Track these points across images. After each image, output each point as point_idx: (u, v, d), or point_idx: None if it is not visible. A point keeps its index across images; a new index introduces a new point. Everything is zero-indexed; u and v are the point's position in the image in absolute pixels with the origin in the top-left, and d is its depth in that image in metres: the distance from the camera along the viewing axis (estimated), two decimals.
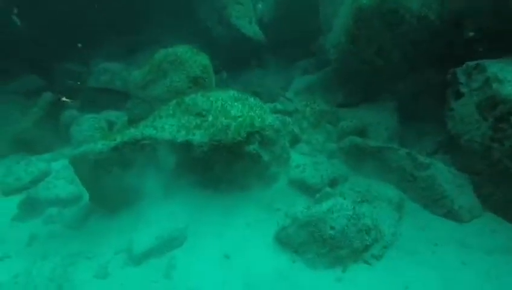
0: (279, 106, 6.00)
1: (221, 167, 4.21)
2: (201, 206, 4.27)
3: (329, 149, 4.77)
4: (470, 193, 3.63)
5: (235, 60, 7.60)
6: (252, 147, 4.20)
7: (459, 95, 3.74)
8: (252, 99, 4.91)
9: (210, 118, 4.38)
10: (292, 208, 4.14)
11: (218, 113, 4.42)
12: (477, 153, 3.51)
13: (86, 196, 4.74)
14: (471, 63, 3.64)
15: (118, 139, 4.28)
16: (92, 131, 6.24)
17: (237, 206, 4.29)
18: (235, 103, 4.74)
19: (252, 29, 7.36)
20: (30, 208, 4.75)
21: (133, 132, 4.35)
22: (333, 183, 4.24)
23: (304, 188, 4.25)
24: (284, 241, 3.64)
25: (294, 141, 4.94)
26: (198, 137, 4.10)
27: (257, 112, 4.59)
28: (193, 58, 5.48)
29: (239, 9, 7.37)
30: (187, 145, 4.21)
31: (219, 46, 7.82)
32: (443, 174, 3.70)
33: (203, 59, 5.61)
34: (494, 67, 3.42)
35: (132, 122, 5.50)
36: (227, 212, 4.24)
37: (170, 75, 5.37)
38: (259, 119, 4.36)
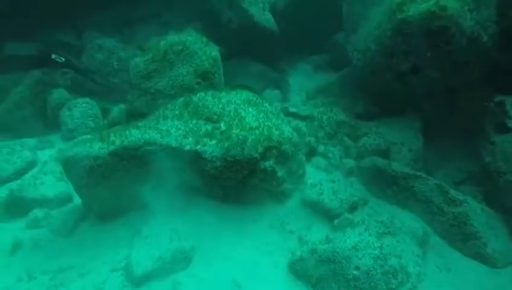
0: (292, 109, 5.56)
1: (231, 182, 3.80)
2: (208, 224, 3.89)
3: (347, 166, 4.41)
4: (504, 236, 3.38)
5: (243, 49, 7.02)
6: (268, 163, 3.80)
7: (504, 129, 3.41)
8: (267, 105, 4.45)
9: (222, 126, 3.91)
10: (307, 233, 3.82)
11: (231, 121, 3.96)
12: None
13: (77, 197, 4.28)
14: None
15: (117, 142, 3.79)
16: (85, 119, 5.66)
17: (247, 226, 3.93)
18: (249, 108, 4.27)
19: (264, 18, 6.73)
20: (14, 207, 4.27)
21: (135, 135, 3.86)
22: (353, 208, 3.91)
23: (321, 211, 3.90)
24: (300, 273, 3.33)
25: (310, 153, 4.55)
26: (209, 149, 3.65)
27: (273, 120, 4.15)
28: (203, 49, 4.92)
29: None
30: (195, 155, 3.77)
31: (227, 32, 7.19)
32: (476, 212, 3.42)
33: (213, 51, 5.05)
34: None
35: (132, 115, 4.98)
36: (236, 231, 3.88)
37: (176, 68, 4.81)
38: (277, 132, 3.93)
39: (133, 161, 3.84)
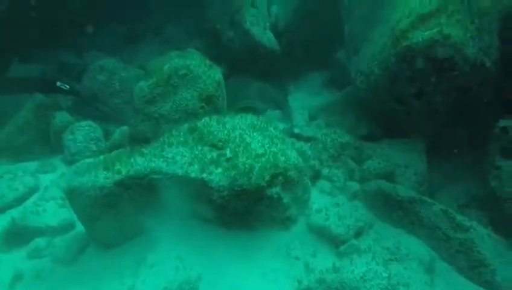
0: (295, 130, 5.58)
1: (237, 209, 3.79)
2: (213, 251, 3.86)
3: (352, 190, 4.40)
4: None
5: (245, 68, 7.07)
6: (274, 191, 3.79)
7: (509, 155, 3.43)
8: (272, 129, 4.46)
9: (228, 153, 3.91)
10: (313, 259, 3.80)
11: (236, 147, 3.96)
12: None
13: (80, 224, 4.24)
14: None
15: (123, 171, 3.78)
16: (88, 142, 5.65)
17: (253, 253, 3.89)
18: (255, 133, 4.28)
19: (266, 37, 6.79)
20: (15, 236, 4.22)
21: (140, 164, 3.85)
22: (358, 233, 3.89)
23: (327, 236, 3.89)
24: None
25: (315, 177, 4.55)
26: (216, 178, 3.64)
27: (279, 146, 4.15)
28: (207, 73, 4.94)
29: (254, 14, 6.77)
30: (202, 183, 3.76)
31: (228, 51, 7.26)
32: (483, 239, 3.41)
33: (217, 74, 5.07)
34: None
35: (135, 140, 4.98)
36: (241, 259, 3.84)
37: (181, 92, 4.82)
38: (283, 158, 3.93)
39: (138, 190, 3.83)
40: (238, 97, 6.49)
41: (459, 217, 3.53)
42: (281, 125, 6.00)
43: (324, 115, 5.92)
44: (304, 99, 7.01)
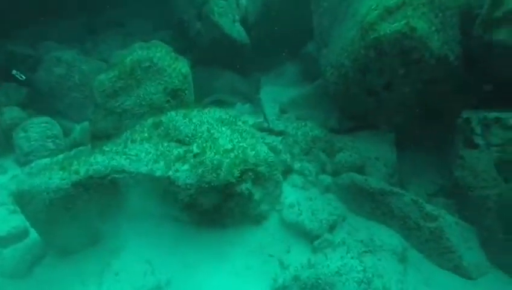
0: (265, 125, 5.47)
1: (206, 207, 3.61)
2: (183, 252, 3.67)
3: (324, 183, 4.36)
4: (477, 248, 3.46)
5: (212, 60, 6.84)
6: (245, 187, 3.65)
7: (472, 145, 3.50)
8: (240, 123, 4.31)
9: (195, 149, 3.72)
10: (287, 256, 3.71)
11: (204, 143, 3.77)
12: (491, 211, 3.33)
13: (34, 231, 3.89)
14: (491, 115, 3.40)
15: (82, 171, 3.48)
16: (44, 140, 5.23)
17: (225, 250, 3.74)
18: (223, 128, 4.12)
19: (235, 30, 6.60)
20: None
21: (101, 162, 3.57)
22: (332, 227, 3.85)
23: (300, 232, 3.81)
24: None
25: (286, 171, 4.46)
26: (183, 176, 3.45)
27: (248, 140, 4.02)
28: (172, 66, 4.69)
29: (222, 6, 6.54)
30: (168, 181, 3.54)
31: (195, 44, 6.99)
32: (451, 227, 3.48)
33: (183, 66, 4.83)
34: None
35: (96, 137, 4.63)
36: (213, 257, 3.68)
37: (145, 85, 4.55)
38: (253, 153, 3.79)
39: (99, 190, 3.56)
40: (207, 90, 6.25)
41: (429, 207, 3.58)
42: (251, 119, 5.87)
43: (295, 108, 5.84)
44: (275, 92, 6.90)
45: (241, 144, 3.86)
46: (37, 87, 6.07)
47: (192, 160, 3.61)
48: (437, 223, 3.49)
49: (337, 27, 4.99)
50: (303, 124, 4.97)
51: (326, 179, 4.39)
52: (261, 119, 5.61)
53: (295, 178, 4.46)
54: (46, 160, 5.04)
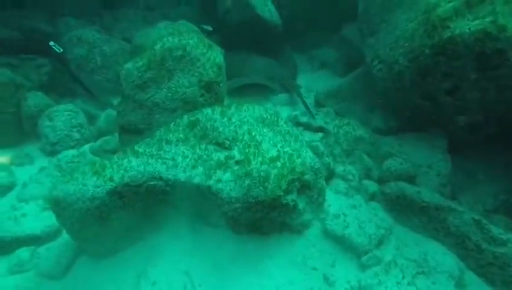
0: (302, 119, 5.10)
1: (249, 220, 3.37)
2: (222, 262, 3.49)
3: (368, 190, 4.06)
4: None
5: (241, 42, 6.35)
6: (290, 198, 3.37)
7: None
8: (282, 123, 3.96)
9: (237, 154, 3.42)
10: (332, 271, 3.49)
11: (246, 148, 3.46)
12: None
13: None
14: None
15: (116, 178, 3.24)
16: (69, 130, 4.97)
17: (265, 262, 3.54)
18: (264, 129, 3.79)
19: (267, 9, 6.05)
20: None
21: (136, 168, 3.31)
22: (380, 242, 3.60)
23: (347, 246, 3.57)
24: None
25: (329, 176, 4.16)
26: (227, 188, 3.17)
27: (292, 145, 3.69)
28: (206, 55, 4.29)
29: None
30: (209, 191, 3.29)
31: (223, 23, 6.48)
32: None
33: (217, 56, 4.42)
34: None
35: (125, 130, 4.36)
36: (254, 270, 3.48)
37: (177, 77, 4.18)
38: (299, 160, 3.48)
39: (134, 197, 3.33)
40: (237, 76, 5.80)
41: (495, 230, 3.24)
42: (285, 112, 5.51)
43: (332, 101, 5.44)
44: (307, 79, 6.48)
45: (285, 150, 3.54)
46: (66, 64, 5.73)
47: (235, 167, 3.32)
48: (506, 249, 3.18)
49: (388, 15, 4.46)
50: (345, 122, 4.58)
51: (372, 186, 4.09)
52: (297, 112, 5.23)
53: (338, 183, 4.16)
54: (73, 151, 4.82)
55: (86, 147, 5.04)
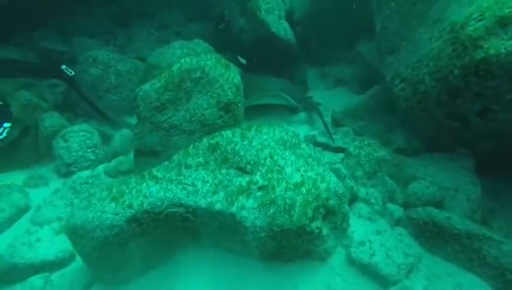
0: (320, 139, 4.99)
1: (273, 248, 3.23)
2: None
3: (393, 214, 3.89)
4: None
5: (257, 62, 6.33)
6: (315, 225, 3.23)
7: None
8: (304, 146, 3.85)
9: (259, 179, 3.30)
10: None
11: (269, 173, 3.34)
12: None
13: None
14: None
15: (135, 204, 3.13)
16: (84, 150, 4.91)
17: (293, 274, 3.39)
18: (286, 152, 3.67)
19: (282, 27, 6.03)
20: (5, 275, 3.57)
21: (155, 194, 3.20)
22: (409, 271, 3.41)
23: (373, 275, 3.39)
24: None
25: (352, 199, 4.01)
26: (251, 216, 3.04)
27: (316, 169, 3.57)
28: (224, 76, 4.23)
29: (269, 1, 5.97)
30: (231, 218, 3.16)
31: (238, 42, 6.47)
32: None
33: (235, 76, 4.36)
34: None
35: (141, 153, 4.28)
36: None
37: (195, 99, 4.12)
38: (324, 186, 3.35)
39: (154, 224, 3.22)
40: (252, 96, 5.73)
41: None
42: (302, 131, 5.40)
43: (350, 120, 5.33)
44: (322, 97, 6.39)
45: (309, 174, 3.41)
46: (78, 86, 5.73)
47: (258, 193, 3.20)
48: None
49: (409, 33, 4.39)
50: (366, 142, 4.45)
51: (397, 210, 3.92)
52: (315, 132, 5.13)
53: (361, 207, 4.00)
54: (88, 172, 4.75)
55: (100, 167, 4.97)
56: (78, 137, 4.94)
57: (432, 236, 3.61)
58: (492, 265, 3.21)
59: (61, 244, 3.80)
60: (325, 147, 4.87)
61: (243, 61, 5.51)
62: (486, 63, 2.96)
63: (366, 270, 3.43)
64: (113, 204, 3.14)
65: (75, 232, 3.04)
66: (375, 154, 4.33)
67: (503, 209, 3.90)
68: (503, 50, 2.85)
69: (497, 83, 3.01)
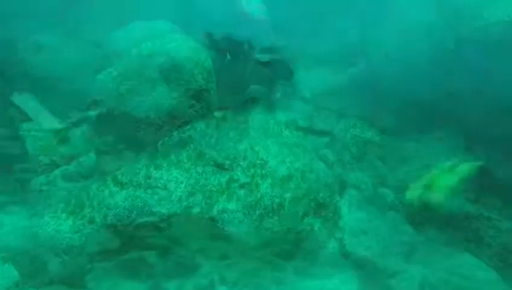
0: (302, 123, 4.62)
1: (261, 251, 2.88)
2: None
3: (385, 200, 3.66)
4: None
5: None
6: (306, 222, 2.91)
7: None
8: (287, 132, 3.49)
9: (240, 176, 2.90)
10: None
11: (251, 167, 2.95)
12: None
13: None
14: None
15: (98, 218, 2.65)
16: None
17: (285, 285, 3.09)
18: (268, 141, 3.29)
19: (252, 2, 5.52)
20: None
21: (121, 204, 2.73)
22: (406, 259, 3.20)
23: (369, 267, 3.16)
24: None
25: (341, 187, 3.73)
26: (234, 220, 2.65)
27: (302, 158, 3.22)
28: (193, 59, 3.71)
29: None
30: (212, 223, 2.76)
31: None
32: None
33: (206, 59, 3.85)
34: None
35: (101, 153, 3.74)
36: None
37: (161, 87, 3.60)
38: (313, 177, 3.02)
39: (122, 237, 2.76)
40: (231, 82, 5.18)
41: None
42: (281, 114, 5.00)
43: (331, 99, 4.98)
44: (302, 75, 5.99)
45: (296, 166, 3.06)
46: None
47: (240, 192, 2.81)
48: None
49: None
50: (351, 124, 4.15)
51: (388, 195, 3.68)
52: (295, 115, 4.75)
53: (351, 194, 3.72)
54: (42, 178, 4.14)
55: (57, 172, 4.36)
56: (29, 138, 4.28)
57: (427, 219, 3.41)
58: (490, 244, 3.05)
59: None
60: (308, 130, 4.52)
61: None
62: None
63: (361, 263, 3.19)
64: (70, 220, 2.64)
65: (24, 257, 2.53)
66: (361, 135, 4.05)
67: (495, 186, 3.77)
68: None
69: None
